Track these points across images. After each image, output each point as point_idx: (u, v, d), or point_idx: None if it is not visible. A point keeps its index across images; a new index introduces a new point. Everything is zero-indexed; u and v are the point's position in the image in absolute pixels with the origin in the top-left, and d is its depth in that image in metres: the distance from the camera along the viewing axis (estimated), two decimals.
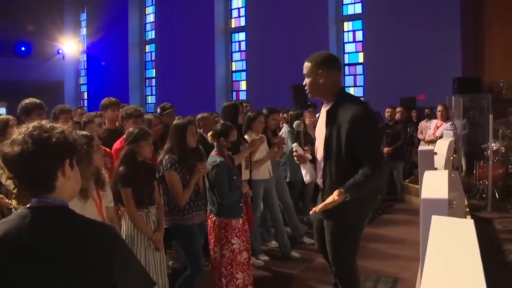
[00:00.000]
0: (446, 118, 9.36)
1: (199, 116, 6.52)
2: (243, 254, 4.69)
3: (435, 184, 2.41)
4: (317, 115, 8.39)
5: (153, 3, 20.74)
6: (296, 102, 11.30)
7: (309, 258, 6.27)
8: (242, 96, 17.99)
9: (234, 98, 17.99)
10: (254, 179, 5.98)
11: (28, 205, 1.68)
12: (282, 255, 6.30)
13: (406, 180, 9.77)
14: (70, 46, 21.94)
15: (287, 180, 7.11)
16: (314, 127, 7.67)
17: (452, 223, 1.60)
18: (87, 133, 3.63)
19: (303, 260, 6.20)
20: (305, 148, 4.03)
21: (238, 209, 4.70)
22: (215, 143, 4.87)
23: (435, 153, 4.15)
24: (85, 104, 22.90)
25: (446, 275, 1.19)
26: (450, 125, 9.17)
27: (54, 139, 1.66)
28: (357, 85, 15.77)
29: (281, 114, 7.89)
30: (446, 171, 3.02)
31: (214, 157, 4.69)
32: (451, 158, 5.20)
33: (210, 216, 4.72)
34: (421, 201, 2.34)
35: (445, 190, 2.31)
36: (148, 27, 21.25)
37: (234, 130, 4.91)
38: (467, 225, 1.49)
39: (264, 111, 6.52)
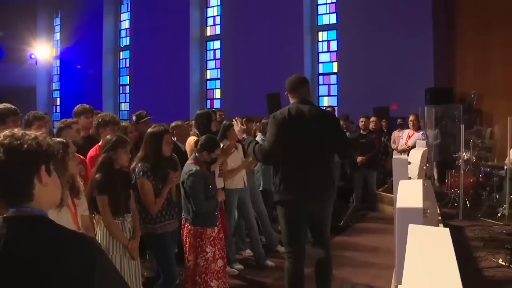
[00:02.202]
0: (417, 127, 9.50)
1: (173, 124, 6.49)
2: (218, 262, 4.67)
3: (410, 193, 2.44)
4: None
5: (128, 10, 20.61)
6: (270, 110, 11.31)
7: (284, 267, 6.27)
8: (217, 104, 17.97)
9: (209, 106, 17.96)
10: (228, 188, 5.99)
11: (5, 215, 1.64)
12: (257, 264, 6.30)
13: (380, 189, 9.86)
14: (43, 51, 21.57)
15: (261, 188, 7.13)
16: None
17: (429, 231, 1.62)
18: (62, 139, 3.56)
19: (277, 269, 6.19)
20: None
21: (213, 218, 4.69)
22: (193, 151, 4.85)
23: (409, 163, 4.19)
24: (58, 110, 22.62)
25: (425, 283, 1.21)
26: (422, 134, 9.30)
27: (26, 145, 1.62)
28: (331, 94, 15.89)
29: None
30: (421, 181, 3.06)
31: (190, 165, 4.67)
32: (424, 167, 5.26)
33: (186, 225, 4.69)
34: (396, 210, 2.36)
35: (420, 199, 2.34)
36: (123, 33, 21.09)
37: (219, 148, 4.92)
38: (443, 233, 1.51)
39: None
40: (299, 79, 4.70)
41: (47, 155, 1.70)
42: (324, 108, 4.46)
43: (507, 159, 8.46)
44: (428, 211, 2.66)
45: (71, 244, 1.60)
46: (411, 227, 1.63)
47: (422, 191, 2.56)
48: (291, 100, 4.61)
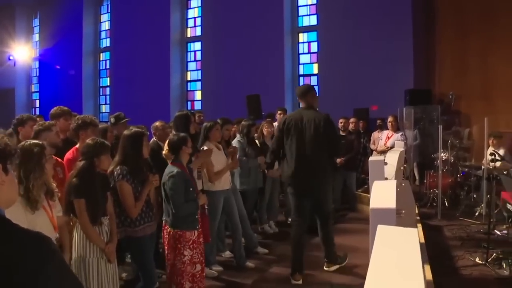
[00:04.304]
0: (396, 128, 9.58)
1: (153, 124, 6.48)
2: (196, 267, 4.66)
3: (383, 194, 2.46)
4: (274, 124, 8.51)
5: (109, 11, 20.47)
6: (250, 112, 11.34)
7: (263, 268, 6.30)
8: (197, 106, 17.92)
9: (189, 107, 17.90)
10: (215, 190, 6.00)
11: None
12: (237, 265, 6.30)
13: (359, 190, 9.92)
14: (22, 52, 21.29)
15: (239, 189, 7.14)
16: (272, 137, 7.91)
17: (397, 232, 1.64)
18: (38, 142, 3.52)
19: (257, 270, 6.22)
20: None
21: (193, 221, 4.67)
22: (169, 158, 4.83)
23: (385, 163, 4.24)
24: (37, 112, 22.35)
25: (388, 283, 1.22)
26: (401, 135, 9.39)
27: None
28: None
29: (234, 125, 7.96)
30: (394, 181, 3.09)
31: (171, 167, 4.66)
32: (402, 168, 5.32)
33: (166, 227, 4.68)
34: (370, 210, 2.38)
35: (393, 200, 2.37)
36: (103, 34, 20.91)
37: (188, 138, 4.90)
38: (411, 233, 1.54)
39: (219, 121, 6.55)
40: (305, 88, 6.06)
41: (3, 154, 1.68)
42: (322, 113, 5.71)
43: (484, 159, 8.58)
44: (403, 211, 2.70)
45: (21, 246, 1.57)
46: (380, 228, 1.65)
47: (398, 191, 2.58)
48: (301, 105, 5.99)
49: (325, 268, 6.10)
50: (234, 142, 7.25)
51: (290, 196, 6.01)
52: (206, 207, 5.17)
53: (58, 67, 20.57)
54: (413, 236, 1.51)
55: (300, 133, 5.68)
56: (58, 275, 1.59)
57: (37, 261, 1.52)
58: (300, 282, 5.68)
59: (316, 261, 6.32)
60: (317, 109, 6.12)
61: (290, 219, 8.01)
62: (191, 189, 4.66)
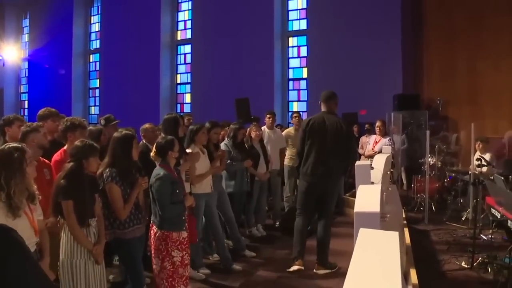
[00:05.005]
0: (384, 133, 9.64)
1: (142, 126, 6.48)
2: (186, 268, 4.68)
3: (367, 198, 2.49)
4: (262, 128, 8.52)
5: (99, 12, 20.43)
6: (239, 115, 11.35)
7: (251, 271, 6.32)
8: (187, 108, 17.93)
9: (178, 110, 17.91)
10: (195, 192, 6.00)
11: None
12: (224, 268, 6.31)
13: (347, 194, 9.96)
14: (11, 52, 21.17)
15: (228, 191, 7.15)
16: (260, 140, 7.91)
17: (378, 235, 1.67)
18: (18, 145, 3.44)
19: (244, 273, 6.23)
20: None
21: (180, 222, 4.68)
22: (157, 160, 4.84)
23: (372, 168, 4.27)
24: (26, 113, 22.21)
25: (366, 284, 1.25)
26: (388, 140, 9.44)
27: None
28: (301, 99, 16.01)
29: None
30: (379, 186, 3.12)
31: (158, 170, 4.68)
32: (388, 172, 5.36)
33: (153, 227, 4.70)
34: (354, 214, 2.41)
35: (377, 204, 2.39)
36: (93, 36, 20.87)
37: (176, 141, 4.91)
38: (391, 237, 1.56)
39: (207, 124, 6.56)
40: (330, 93, 6.46)
41: None
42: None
43: (471, 164, 8.65)
44: (387, 216, 2.73)
45: None
46: (362, 231, 1.67)
47: (382, 195, 2.61)
48: (322, 109, 6.38)
49: (315, 270, 6.17)
50: (222, 146, 7.27)
51: (300, 193, 6.49)
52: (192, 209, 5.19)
53: (47, 66, 20.45)
54: (393, 239, 1.53)
55: (322, 135, 6.08)
56: (22, 266, 1.58)
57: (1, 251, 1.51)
58: (302, 267, 6.12)
59: (305, 263, 6.35)
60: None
61: (278, 223, 8.17)
62: (177, 191, 4.67)
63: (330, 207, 6.39)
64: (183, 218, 4.72)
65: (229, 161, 7.16)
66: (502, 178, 6.01)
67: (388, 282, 1.18)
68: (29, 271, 1.66)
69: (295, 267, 6.10)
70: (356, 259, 1.42)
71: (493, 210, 6.29)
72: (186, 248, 4.70)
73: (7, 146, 3.38)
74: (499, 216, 5.95)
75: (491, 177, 7.15)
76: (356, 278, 1.26)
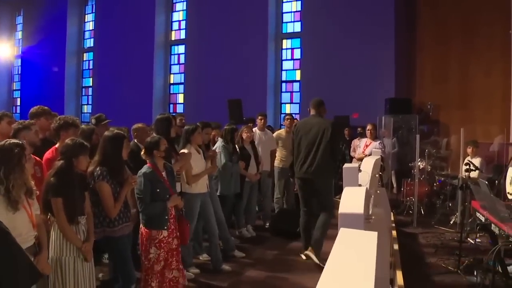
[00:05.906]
0: (375, 137, 9.69)
1: (134, 126, 6.50)
2: (173, 272, 4.77)
3: (352, 199, 2.54)
4: (254, 129, 8.55)
5: (93, 11, 20.40)
6: (231, 116, 11.38)
7: (240, 271, 6.35)
8: (179, 109, 17.95)
9: (171, 110, 17.93)
10: (192, 192, 6.04)
11: None
12: (213, 268, 6.34)
13: (337, 196, 9.99)
14: (4, 49, 21.10)
15: (218, 193, 7.17)
16: (251, 141, 7.94)
17: (357, 235, 1.71)
18: (18, 141, 3.52)
19: (233, 273, 6.26)
20: None
21: (162, 221, 4.72)
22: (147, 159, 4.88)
23: (360, 170, 4.32)
24: (18, 111, 22.14)
25: (340, 282, 1.29)
26: (379, 143, 9.50)
27: None
28: (294, 102, 16.07)
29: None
30: (364, 188, 3.17)
31: (144, 167, 4.76)
32: (377, 175, 5.40)
33: (141, 225, 4.77)
34: (338, 215, 2.46)
35: (361, 205, 2.44)
36: (87, 34, 20.84)
37: (163, 140, 4.95)
38: (370, 237, 1.61)
39: (198, 125, 6.59)
40: (320, 101, 7.00)
41: None
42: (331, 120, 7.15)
43: (460, 168, 8.72)
44: (372, 217, 2.78)
45: None
46: (342, 231, 1.72)
47: (369, 197, 2.66)
48: (311, 113, 6.95)
49: (303, 251, 6.72)
50: (219, 147, 7.30)
51: (299, 191, 7.12)
52: (183, 209, 5.21)
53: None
54: (372, 239, 1.58)
55: (306, 136, 6.68)
56: (8, 253, 1.60)
57: None
58: (310, 252, 6.54)
59: (292, 264, 6.40)
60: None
61: (267, 224, 8.23)
62: (158, 190, 4.71)
63: (326, 204, 6.74)
64: (165, 217, 4.75)
65: (229, 162, 7.23)
66: (486, 182, 6.09)
67: (362, 281, 1.23)
68: (16, 257, 1.68)
69: (303, 256, 6.68)
70: (333, 258, 1.47)
71: (478, 214, 6.37)
72: (166, 247, 4.75)
73: (7, 142, 3.45)
74: (483, 220, 6.02)
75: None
76: (331, 276, 1.30)
